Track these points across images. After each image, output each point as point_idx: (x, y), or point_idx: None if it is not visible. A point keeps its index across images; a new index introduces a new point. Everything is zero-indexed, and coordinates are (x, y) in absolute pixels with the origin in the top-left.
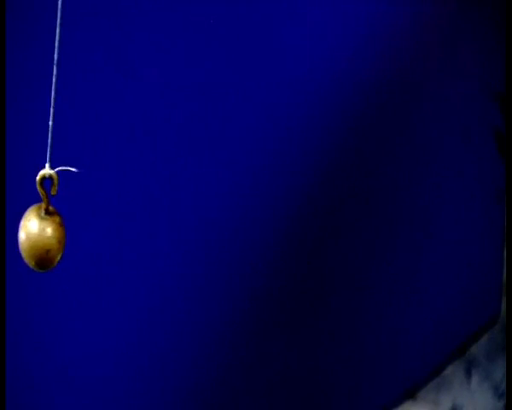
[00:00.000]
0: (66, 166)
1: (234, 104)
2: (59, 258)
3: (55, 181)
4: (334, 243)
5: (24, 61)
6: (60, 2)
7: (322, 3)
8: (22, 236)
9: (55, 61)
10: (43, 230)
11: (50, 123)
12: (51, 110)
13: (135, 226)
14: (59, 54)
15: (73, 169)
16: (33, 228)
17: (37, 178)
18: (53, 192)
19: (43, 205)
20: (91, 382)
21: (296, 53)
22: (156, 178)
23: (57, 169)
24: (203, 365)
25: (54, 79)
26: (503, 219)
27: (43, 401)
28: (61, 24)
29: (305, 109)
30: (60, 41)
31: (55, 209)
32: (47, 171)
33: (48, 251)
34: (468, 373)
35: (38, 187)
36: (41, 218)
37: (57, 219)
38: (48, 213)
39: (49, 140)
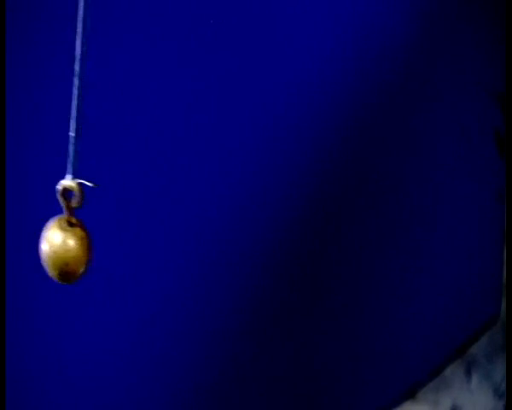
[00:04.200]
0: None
1: (233, 104)
2: (82, 271)
3: (78, 193)
4: (333, 242)
5: (24, 61)
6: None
7: (321, 3)
8: (45, 247)
9: (76, 72)
10: (65, 242)
11: (72, 134)
12: (72, 121)
13: (135, 226)
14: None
15: (91, 184)
16: (56, 240)
17: (59, 187)
18: (75, 205)
19: (65, 216)
20: (91, 382)
21: (296, 53)
22: (156, 177)
23: (79, 181)
24: (203, 365)
25: (75, 91)
26: (503, 219)
27: (43, 401)
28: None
29: (304, 109)
30: (83, 52)
31: (79, 220)
32: (68, 182)
33: (68, 264)
34: (468, 373)
35: (60, 197)
36: (63, 229)
37: (79, 230)
38: (70, 224)
39: (71, 151)
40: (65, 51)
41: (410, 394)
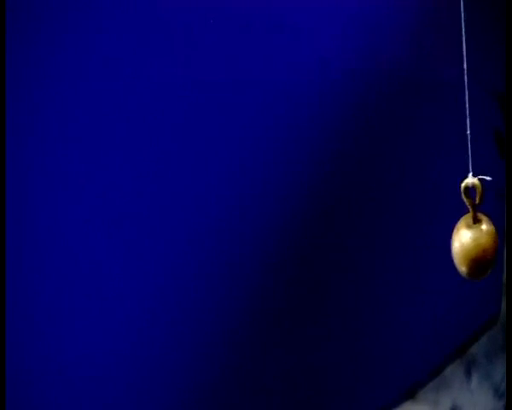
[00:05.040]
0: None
1: (233, 104)
2: (492, 265)
3: (479, 190)
4: (333, 242)
5: (24, 61)
6: None
7: (321, 3)
8: (456, 245)
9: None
10: (476, 238)
11: (468, 132)
12: (467, 120)
13: (134, 226)
14: None
15: (488, 178)
16: (466, 237)
17: (462, 186)
18: (478, 201)
19: (471, 214)
20: (91, 382)
21: (296, 53)
22: (156, 177)
23: (479, 177)
24: (203, 365)
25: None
26: (503, 219)
27: (43, 400)
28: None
29: (304, 110)
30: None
31: (484, 215)
32: (470, 180)
33: (480, 258)
34: (468, 373)
35: (463, 196)
36: (470, 227)
37: (486, 225)
38: (476, 221)
39: (469, 150)
40: (65, 51)
41: (410, 394)
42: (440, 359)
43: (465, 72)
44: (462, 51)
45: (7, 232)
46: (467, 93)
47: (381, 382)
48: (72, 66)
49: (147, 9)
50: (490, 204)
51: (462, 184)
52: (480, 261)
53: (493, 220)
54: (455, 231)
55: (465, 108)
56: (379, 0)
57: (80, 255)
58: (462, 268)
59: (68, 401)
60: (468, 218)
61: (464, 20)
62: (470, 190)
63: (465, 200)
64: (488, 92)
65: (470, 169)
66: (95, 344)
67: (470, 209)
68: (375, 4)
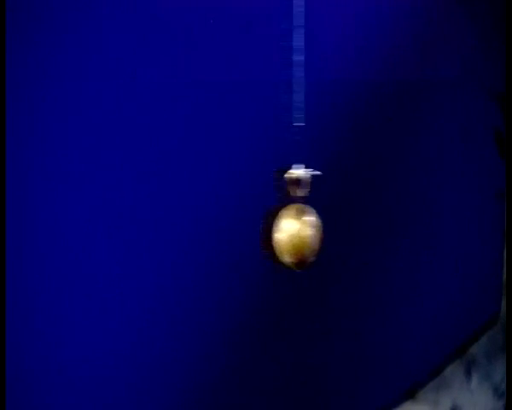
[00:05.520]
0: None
1: (233, 105)
2: (313, 258)
3: (305, 182)
4: (333, 242)
5: (24, 62)
6: None
7: (321, 2)
8: (281, 237)
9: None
10: (301, 230)
11: (297, 124)
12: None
13: (134, 227)
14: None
15: (319, 173)
16: (291, 229)
17: (288, 177)
18: (299, 193)
19: (297, 205)
20: (91, 382)
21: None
22: (156, 178)
23: (308, 171)
24: (203, 365)
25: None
26: (503, 220)
27: (43, 401)
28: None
29: (304, 110)
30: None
31: (309, 207)
32: (297, 172)
33: (305, 250)
34: (468, 373)
35: (289, 186)
36: (297, 218)
37: (311, 217)
38: (301, 212)
39: (297, 141)
40: (65, 51)
41: (410, 394)
42: (440, 359)
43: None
44: (462, 51)
45: (7, 232)
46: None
47: (381, 382)
48: (72, 66)
49: (147, 10)
50: (490, 204)
51: (287, 175)
52: (302, 252)
53: (493, 220)
54: (278, 220)
55: (465, 108)
56: (379, 1)
57: (80, 255)
58: (287, 259)
59: (68, 401)
60: (292, 209)
61: (465, 21)
62: (298, 181)
63: (291, 190)
64: (488, 92)
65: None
66: (95, 344)
67: (294, 200)
68: (375, 5)
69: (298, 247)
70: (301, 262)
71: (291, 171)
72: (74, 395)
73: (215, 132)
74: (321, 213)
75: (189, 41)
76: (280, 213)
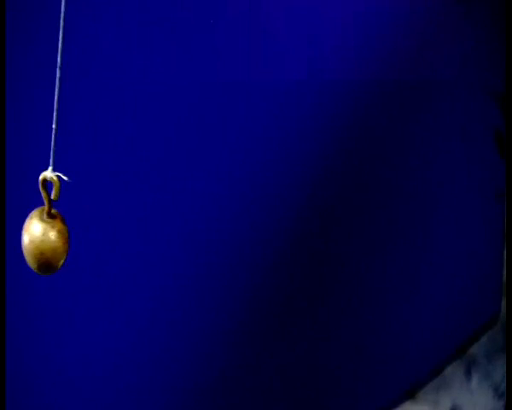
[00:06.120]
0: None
1: (233, 105)
2: (61, 263)
3: (56, 185)
4: (333, 242)
5: (24, 62)
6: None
7: (321, 3)
8: (25, 239)
9: (58, 65)
10: (45, 234)
11: (54, 126)
12: (54, 113)
13: (135, 227)
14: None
15: (65, 178)
16: (36, 231)
17: (40, 178)
18: (53, 197)
19: (46, 208)
20: (91, 382)
21: (295, 53)
22: (156, 179)
23: (57, 174)
24: (203, 364)
25: (57, 82)
26: (503, 220)
27: (43, 401)
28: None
29: (303, 110)
30: (62, 44)
31: (58, 213)
32: (48, 174)
33: (49, 255)
34: (468, 373)
35: (41, 189)
36: (43, 221)
37: (59, 222)
38: (50, 216)
39: (52, 143)
40: (65, 51)
41: (410, 394)
42: (440, 359)
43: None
44: (462, 51)
45: (7, 232)
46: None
47: (381, 382)
48: (72, 66)
49: (147, 10)
50: (490, 204)
51: (40, 177)
52: (49, 257)
53: (493, 220)
54: (27, 222)
55: (465, 108)
56: (379, 1)
57: (80, 256)
58: (33, 264)
59: (68, 401)
60: (41, 211)
61: (464, 21)
62: (49, 183)
63: (42, 193)
64: (488, 92)
65: (51, 163)
66: (95, 344)
67: (46, 203)
68: (375, 5)
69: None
70: (45, 265)
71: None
72: (74, 395)
73: (215, 133)
74: (321, 215)
75: (189, 41)
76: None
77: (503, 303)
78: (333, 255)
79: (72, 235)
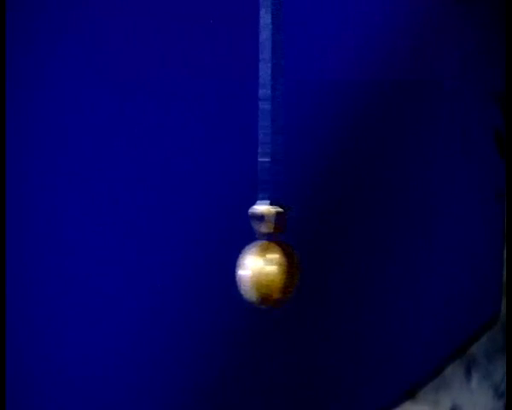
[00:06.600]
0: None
1: (233, 105)
2: (282, 296)
3: (271, 218)
4: (332, 242)
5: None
6: None
7: (320, 2)
8: (247, 273)
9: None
10: (264, 268)
11: (264, 159)
12: (262, 145)
13: (134, 227)
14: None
15: (288, 209)
16: (255, 265)
17: (250, 212)
18: (267, 230)
19: (263, 243)
20: (91, 382)
21: (296, 52)
22: (155, 178)
23: (275, 205)
24: (203, 364)
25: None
26: (503, 220)
27: (43, 401)
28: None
29: (303, 109)
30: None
31: (277, 246)
32: (260, 207)
33: (266, 289)
34: (468, 373)
35: (254, 223)
36: (260, 255)
37: (278, 255)
38: (267, 251)
39: (264, 177)
40: (65, 51)
41: (410, 394)
42: (440, 359)
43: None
44: (461, 51)
45: (7, 232)
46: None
47: (381, 382)
48: (72, 66)
49: (147, 10)
50: (490, 204)
51: (250, 210)
52: (267, 293)
53: (493, 220)
54: (243, 258)
55: (465, 108)
56: (379, 1)
57: (80, 255)
58: (253, 298)
59: (68, 401)
60: (258, 245)
61: (464, 21)
62: (262, 217)
63: (254, 226)
64: (488, 92)
65: (263, 196)
66: (95, 344)
67: (259, 237)
68: (375, 5)
69: (260, 284)
70: (266, 299)
71: (254, 206)
72: (74, 395)
73: (215, 133)
74: (321, 215)
75: (189, 41)
76: (243, 251)
77: (503, 303)
78: (332, 255)
79: (72, 235)
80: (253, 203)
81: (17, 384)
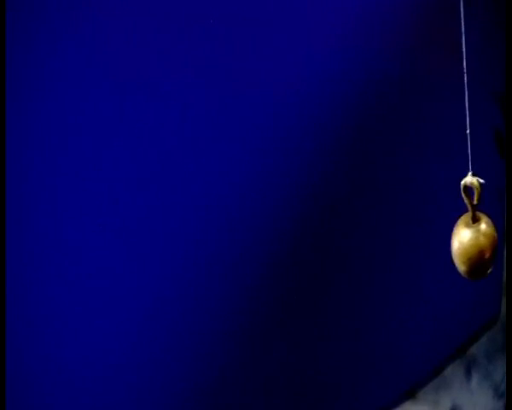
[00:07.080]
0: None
1: (233, 105)
2: (490, 266)
3: (478, 190)
4: (333, 242)
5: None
6: None
7: (320, 2)
8: (455, 244)
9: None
10: (472, 238)
11: (468, 131)
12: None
13: (134, 227)
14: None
15: (483, 181)
16: (464, 237)
17: (461, 184)
18: (475, 202)
19: (470, 214)
20: (91, 382)
21: (295, 52)
22: (156, 178)
23: (477, 179)
24: (203, 364)
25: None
26: (503, 219)
27: (43, 401)
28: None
29: (303, 109)
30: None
31: (484, 215)
32: (469, 179)
33: (476, 259)
34: (468, 373)
35: (463, 195)
36: (470, 226)
37: (484, 226)
38: (474, 221)
39: (469, 149)
40: (65, 51)
41: (410, 394)
42: (440, 359)
43: (465, 72)
44: (462, 51)
45: (7, 232)
46: (467, 93)
47: (381, 382)
48: (72, 66)
49: (147, 10)
50: (490, 204)
51: (462, 183)
52: (478, 261)
53: (493, 220)
54: (454, 230)
55: (465, 108)
56: (379, 1)
57: (80, 255)
58: (462, 268)
59: (68, 401)
60: (467, 217)
61: (464, 21)
62: (469, 189)
63: (464, 199)
64: (488, 92)
65: (470, 168)
66: (95, 344)
67: (469, 208)
68: (375, 4)
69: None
70: (473, 271)
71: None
72: (74, 395)
73: (215, 133)
74: (321, 214)
75: (189, 41)
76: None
77: (503, 303)
78: (332, 255)
79: (72, 235)
80: (253, 203)
81: (17, 384)
